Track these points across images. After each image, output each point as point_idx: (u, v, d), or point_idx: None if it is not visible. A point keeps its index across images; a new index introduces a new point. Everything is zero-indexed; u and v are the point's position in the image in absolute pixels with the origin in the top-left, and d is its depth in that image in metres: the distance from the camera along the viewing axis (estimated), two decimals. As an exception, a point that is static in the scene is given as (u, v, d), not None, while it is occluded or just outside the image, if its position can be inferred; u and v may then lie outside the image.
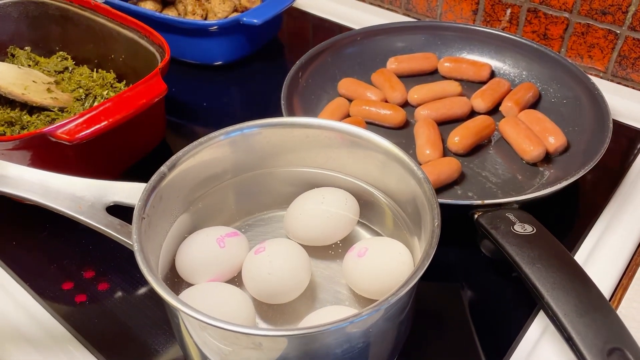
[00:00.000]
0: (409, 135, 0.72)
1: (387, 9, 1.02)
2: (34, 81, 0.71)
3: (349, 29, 0.99)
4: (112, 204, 0.45)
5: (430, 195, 0.42)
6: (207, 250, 0.48)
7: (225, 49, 0.85)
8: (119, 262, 0.58)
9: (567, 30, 0.82)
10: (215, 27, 0.80)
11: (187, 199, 0.50)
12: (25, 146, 0.54)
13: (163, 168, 0.46)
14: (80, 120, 0.54)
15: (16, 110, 0.69)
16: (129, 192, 0.46)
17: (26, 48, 0.81)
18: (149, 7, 0.90)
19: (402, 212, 0.50)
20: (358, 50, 0.82)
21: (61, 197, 0.43)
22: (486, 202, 0.54)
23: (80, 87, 0.73)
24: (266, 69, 0.90)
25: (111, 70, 0.76)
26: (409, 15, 1.00)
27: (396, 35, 0.84)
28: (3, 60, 0.79)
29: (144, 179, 0.66)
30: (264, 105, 0.82)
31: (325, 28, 1.01)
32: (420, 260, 0.38)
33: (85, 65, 0.79)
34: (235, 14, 0.91)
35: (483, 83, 0.79)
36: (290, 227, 0.53)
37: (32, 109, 0.70)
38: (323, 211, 0.51)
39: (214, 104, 0.82)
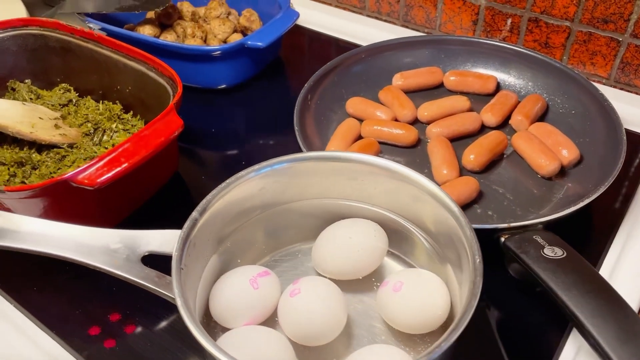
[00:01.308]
0: (421, 153, 0.72)
1: (385, 20, 1.02)
2: (40, 117, 0.70)
3: (346, 42, 0.99)
4: (146, 254, 0.45)
5: (469, 232, 0.42)
6: (241, 293, 0.48)
7: (230, 72, 0.84)
8: (143, 302, 0.57)
9: (568, 39, 0.83)
10: (219, 52, 0.79)
11: (216, 240, 0.50)
12: (43, 193, 0.53)
13: (195, 214, 0.46)
14: (101, 163, 0.53)
15: (25, 149, 0.68)
16: (161, 240, 0.46)
17: (26, 81, 0.79)
18: (147, 32, 0.89)
19: (433, 242, 0.50)
20: (363, 68, 0.82)
21: (96, 252, 0.43)
22: (512, 225, 0.54)
23: (88, 121, 0.72)
24: (269, 89, 0.89)
25: (117, 102, 0.75)
26: (407, 27, 1.00)
27: (400, 50, 0.84)
28: (3, 95, 0.78)
29: (162, 214, 0.66)
30: (272, 126, 0.82)
31: (322, 42, 1.01)
32: (467, 300, 0.38)
33: (89, 97, 0.77)
34: (235, 35, 0.91)
35: (489, 95, 0.80)
36: (319, 262, 0.52)
37: (41, 146, 0.68)
38: (353, 244, 0.51)
39: (221, 128, 0.81)
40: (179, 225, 0.64)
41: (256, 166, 0.50)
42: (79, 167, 0.53)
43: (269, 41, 0.79)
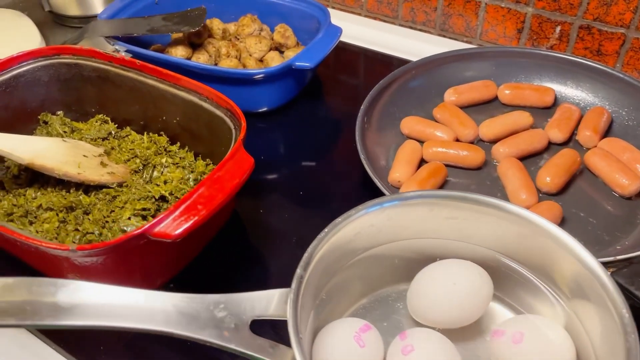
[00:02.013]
0: (489, 175, 0.68)
1: (420, 29, 0.98)
2: (84, 155, 0.65)
3: (378, 53, 0.95)
4: (253, 320, 0.40)
5: (608, 283, 0.39)
6: (348, 353, 0.44)
7: (272, 94, 0.79)
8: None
9: (623, 46, 0.80)
10: (262, 75, 0.75)
11: (314, 294, 0.46)
12: (116, 249, 0.49)
13: (300, 271, 0.42)
14: (177, 212, 0.49)
15: (71, 190, 0.63)
16: (266, 302, 0.41)
17: (58, 113, 0.74)
18: (179, 53, 0.84)
19: (549, 286, 0.47)
20: (413, 85, 0.79)
21: (201, 323, 0.38)
22: (618, 257, 0.51)
23: (135, 156, 0.67)
24: (310, 108, 0.85)
25: (162, 133, 0.70)
26: (444, 36, 0.96)
27: (450, 64, 0.80)
28: (34, 130, 0.73)
29: (225, 258, 0.61)
30: (321, 148, 0.78)
31: (353, 53, 0.97)
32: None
33: (128, 127, 0.73)
34: (272, 53, 0.86)
35: (546, 109, 0.77)
36: (417, 309, 0.49)
37: (88, 186, 0.63)
38: (457, 291, 0.47)
39: (269, 153, 0.77)
40: (248, 271, 0.61)
41: (363, 207, 0.46)
42: (150, 217, 0.49)
43: (317, 61, 0.75)
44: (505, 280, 0.49)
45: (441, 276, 0.48)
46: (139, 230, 0.47)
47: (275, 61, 0.84)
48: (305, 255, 0.43)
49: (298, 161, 0.76)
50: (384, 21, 1.02)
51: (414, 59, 0.94)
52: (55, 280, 0.37)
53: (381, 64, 0.95)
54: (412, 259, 0.51)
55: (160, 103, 0.67)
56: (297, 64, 0.74)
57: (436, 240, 0.50)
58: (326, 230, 0.44)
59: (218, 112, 0.62)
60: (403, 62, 0.93)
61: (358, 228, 0.47)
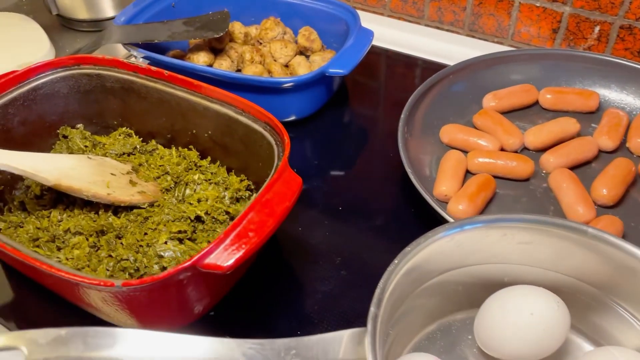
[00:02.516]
0: (539, 187, 0.65)
1: (448, 30, 0.95)
2: (112, 174, 0.61)
3: (404, 55, 0.92)
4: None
5: None
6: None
7: (303, 103, 0.76)
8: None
9: (667, 47, 0.77)
10: (292, 83, 0.71)
11: (386, 326, 0.42)
12: (162, 283, 0.45)
13: (374, 310, 0.38)
14: (228, 241, 0.45)
15: (100, 212, 0.59)
16: (337, 344, 0.38)
17: (78, 126, 0.69)
18: (202, 60, 0.80)
19: (631, 312, 0.44)
20: (450, 90, 0.75)
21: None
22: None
23: (166, 173, 0.63)
24: (339, 115, 0.81)
25: (191, 146, 0.66)
26: (473, 36, 0.93)
27: (488, 67, 0.76)
28: (53, 145, 0.68)
29: (264, 280, 0.57)
30: (356, 157, 0.74)
31: (377, 55, 0.93)
32: None
33: (153, 141, 0.68)
34: (298, 58, 0.82)
35: (590, 114, 0.73)
36: (488, 341, 0.45)
37: (117, 207, 0.59)
38: (533, 323, 0.44)
39: (301, 165, 0.73)
40: (290, 295, 0.57)
41: (432, 234, 0.42)
42: (199, 247, 0.45)
43: (351, 67, 0.71)
44: (583, 308, 0.46)
45: (514, 305, 0.45)
46: (188, 263, 0.43)
47: (302, 67, 0.80)
48: (377, 291, 0.39)
49: (332, 172, 0.72)
50: (409, 21, 0.98)
51: (440, 60, 0.91)
52: (113, 331, 0.33)
53: (405, 66, 0.91)
54: (477, 285, 0.48)
55: (190, 116, 0.63)
56: (330, 70, 0.70)
57: (505, 266, 0.47)
58: (396, 261, 0.41)
59: (256, 126, 0.58)
60: (428, 63, 0.90)
61: (426, 255, 0.43)
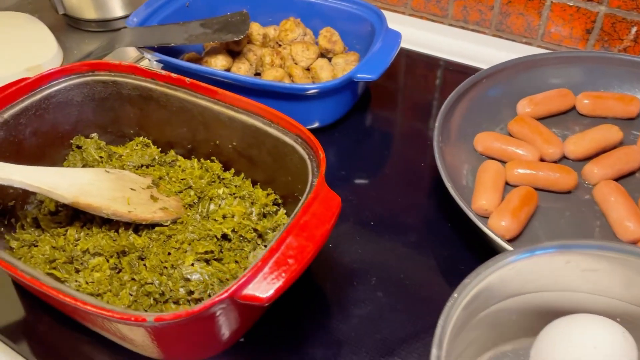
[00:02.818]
0: (582, 200, 0.61)
1: (473, 30, 0.91)
2: (132, 189, 0.57)
3: (427, 56, 0.88)
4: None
5: None
6: None
7: (328, 110, 0.72)
8: None
9: None
10: (317, 90, 0.67)
11: None
12: (197, 316, 0.41)
13: (436, 352, 0.35)
14: (266, 269, 0.41)
15: (120, 231, 0.55)
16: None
17: (92, 135, 0.66)
18: (220, 64, 0.76)
19: None
20: (483, 96, 0.71)
21: None
22: None
23: (189, 187, 0.59)
24: (362, 122, 0.78)
25: (214, 158, 0.62)
26: (500, 37, 0.89)
27: (522, 71, 0.73)
28: (66, 155, 0.64)
29: (295, 302, 0.53)
30: (384, 168, 0.70)
31: (399, 56, 0.89)
32: None
33: (172, 151, 0.65)
34: (320, 61, 0.78)
35: (630, 120, 0.70)
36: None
37: (137, 224, 0.56)
38: (596, 355, 0.40)
39: (328, 177, 0.69)
40: (324, 320, 0.53)
41: (492, 263, 0.39)
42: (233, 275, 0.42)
43: (380, 72, 0.67)
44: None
45: (576, 336, 0.41)
46: (225, 294, 0.40)
47: (324, 70, 0.76)
48: (438, 330, 0.36)
49: (360, 183, 0.68)
50: (432, 20, 0.94)
51: (464, 61, 0.87)
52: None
53: (427, 68, 0.88)
54: (533, 314, 0.44)
55: (213, 126, 0.60)
56: (359, 76, 0.67)
57: (565, 293, 0.43)
58: (455, 295, 0.37)
59: (286, 139, 0.54)
60: (452, 65, 0.86)
61: (485, 285, 0.40)
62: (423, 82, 0.86)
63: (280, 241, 0.43)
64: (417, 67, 0.89)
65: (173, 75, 0.60)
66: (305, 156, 0.52)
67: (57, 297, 0.40)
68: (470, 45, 0.90)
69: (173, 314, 0.39)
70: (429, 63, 0.89)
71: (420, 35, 0.93)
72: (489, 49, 0.88)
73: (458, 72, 0.87)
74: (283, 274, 0.41)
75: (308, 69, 0.78)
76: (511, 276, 0.41)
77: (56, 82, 0.62)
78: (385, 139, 0.76)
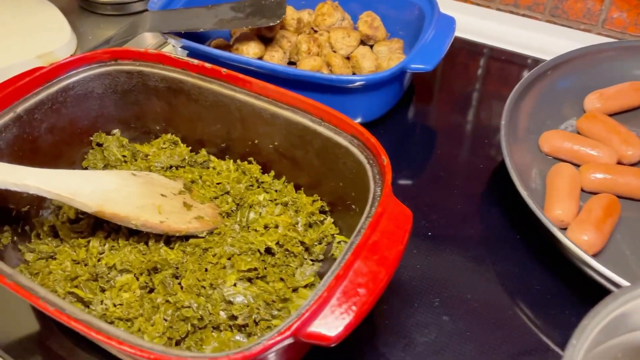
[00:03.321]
0: (666, 207, 0.55)
1: (524, 15, 0.83)
2: (162, 195, 0.51)
3: (471, 43, 0.81)
4: None
5: None
6: None
7: (372, 104, 0.64)
8: None
9: None
10: (363, 82, 0.60)
11: None
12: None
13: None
14: (334, 300, 0.35)
15: (150, 243, 0.48)
16: None
17: (114, 132, 0.59)
18: (253, 51, 0.69)
19: None
20: (546, 90, 0.64)
21: None
22: None
23: (226, 192, 0.53)
24: (409, 118, 0.70)
25: (251, 159, 0.55)
26: (555, 23, 0.81)
27: (589, 62, 0.65)
28: (86, 154, 0.58)
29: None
30: (437, 168, 0.63)
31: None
32: None
33: (203, 150, 0.58)
34: (362, 49, 0.71)
35: None
36: None
37: (169, 236, 0.49)
38: None
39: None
40: (386, 346, 0.47)
41: (611, 301, 0.32)
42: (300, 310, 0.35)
43: (435, 63, 0.60)
44: None
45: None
46: (288, 333, 0.33)
47: (367, 59, 0.69)
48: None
49: (411, 188, 0.61)
50: (478, 4, 0.86)
51: (514, 49, 0.80)
52: None
53: (471, 56, 0.80)
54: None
55: (252, 123, 0.53)
56: (412, 66, 0.59)
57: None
58: (574, 342, 0.31)
59: (339, 140, 0.47)
60: (500, 53, 0.79)
61: (605, 322, 0.33)
62: (469, 72, 0.79)
63: (347, 266, 0.36)
64: (462, 56, 0.81)
65: (207, 65, 0.53)
66: (363, 160, 0.46)
67: (91, 335, 0.34)
68: (521, 32, 0.82)
69: (228, 357, 0.32)
70: (475, 51, 0.81)
71: (466, 21, 0.85)
72: (542, 35, 0.80)
73: (506, 61, 0.79)
74: (353, 307, 0.35)
75: (348, 58, 0.71)
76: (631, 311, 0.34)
77: (75, 72, 0.55)
78: (433, 137, 0.69)
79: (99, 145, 0.58)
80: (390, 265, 0.37)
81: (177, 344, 0.43)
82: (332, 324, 0.34)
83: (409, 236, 0.39)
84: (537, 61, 0.77)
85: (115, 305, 0.44)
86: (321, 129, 0.49)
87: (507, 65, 0.79)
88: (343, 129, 0.47)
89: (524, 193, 0.49)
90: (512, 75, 0.77)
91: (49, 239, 0.51)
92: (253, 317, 0.44)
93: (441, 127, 0.70)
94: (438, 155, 0.65)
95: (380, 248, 0.38)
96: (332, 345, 0.34)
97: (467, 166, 0.63)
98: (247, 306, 0.44)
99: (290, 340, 0.34)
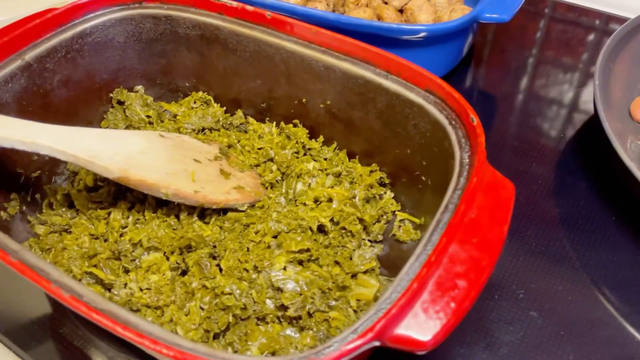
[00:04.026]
0: None
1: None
2: (195, 160, 0.43)
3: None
4: None
5: None
6: None
7: (433, 62, 0.56)
8: None
9: None
10: (426, 32, 0.51)
11: None
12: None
13: None
14: (425, 294, 0.27)
15: (182, 216, 0.41)
16: None
17: (137, 88, 0.51)
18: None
19: None
20: (630, 48, 0.55)
21: None
22: None
23: (270, 159, 0.45)
24: (467, 81, 0.62)
25: (297, 121, 0.47)
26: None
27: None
28: (104, 113, 0.50)
29: None
30: (510, 146, 0.54)
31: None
32: None
33: (239, 111, 0.50)
34: (416, 1, 0.62)
35: None
36: None
37: (203, 208, 0.42)
38: None
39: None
40: (470, 355, 0.39)
41: None
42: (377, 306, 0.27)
43: (513, 12, 0.51)
44: None
45: None
46: (371, 335, 0.26)
47: (423, 12, 0.60)
48: None
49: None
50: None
51: (587, 5, 0.71)
52: None
53: (527, 12, 0.71)
54: None
55: (300, 78, 0.45)
56: (486, 15, 0.51)
57: None
58: None
59: (411, 96, 0.39)
60: (569, 8, 0.70)
61: None
62: (530, 34, 0.70)
63: (441, 251, 0.28)
64: (528, 13, 0.72)
65: (248, 7, 0.44)
66: (443, 121, 0.37)
67: (116, 331, 0.26)
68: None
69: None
70: (536, 12, 0.72)
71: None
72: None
73: (575, 22, 0.71)
74: (451, 304, 0.27)
75: (401, 11, 0.62)
76: None
77: (92, 15, 0.47)
78: (500, 104, 0.60)
79: (120, 103, 0.50)
80: (494, 250, 0.29)
81: (216, 337, 0.36)
82: (424, 325, 0.26)
83: (510, 208, 0.31)
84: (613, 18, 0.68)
85: (141, 290, 0.37)
86: (388, 84, 0.40)
87: (574, 27, 0.70)
88: (416, 82, 0.39)
89: (637, 172, 0.41)
90: (582, 37, 0.68)
91: (63, 209, 0.44)
92: (307, 307, 0.36)
93: (507, 93, 0.61)
94: (509, 126, 0.56)
95: (480, 228, 0.30)
96: (425, 352, 0.26)
97: (546, 139, 0.54)
98: (300, 294, 0.36)
99: (374, 345, 0.26)
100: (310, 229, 0.40)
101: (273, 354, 0.35)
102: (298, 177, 0.44)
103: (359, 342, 0.25)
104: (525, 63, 0.65)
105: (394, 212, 0.44)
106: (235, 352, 0.35)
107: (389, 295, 0.28)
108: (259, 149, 0.46)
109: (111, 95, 0.50)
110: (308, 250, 0.39)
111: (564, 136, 0.54)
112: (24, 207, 0.43)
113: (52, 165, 0.46)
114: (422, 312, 0.27)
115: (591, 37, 0.70)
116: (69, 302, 0.28)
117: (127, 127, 0.49)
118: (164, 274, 0.38)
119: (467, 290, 0.28)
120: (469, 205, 0.30)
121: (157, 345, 0.26)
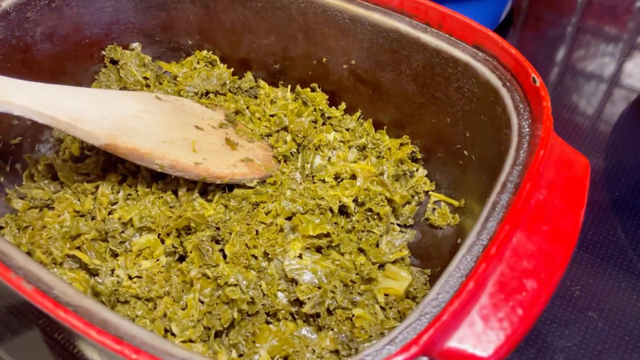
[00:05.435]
0: None
1: None
2: (197, 127, 0.37)
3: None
4: None
5: None
6: None
7: (478, 16, 0.49)
8: None
9: None
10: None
11: None
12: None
13: None
14: (485, 297, 0.21)
15: (181, 192, 0.35)
16: None
17: (134, 46, 0.45)
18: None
19: None
20: None
21: None
22: None
23: (283, 128, 0.39)
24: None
25: (315, 85, 0.41)
26: None
27: None
28: (96, 74, 0.44)
29: None
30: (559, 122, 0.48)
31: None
32: None
33: (249, 74, 0.44)
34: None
35: None
36: None
37: (205, 184, 0.36)
38: None
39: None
40: None
41: None
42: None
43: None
44: None
45: None
46: (415, 349, 0.20)
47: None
48: None
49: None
50: None
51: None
52: None
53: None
54: None
55: (320, 33, 0.38)
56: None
57: None
58: None
59: (455, 53, 0.33)
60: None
61: None
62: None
63: (502, 241, 0.22)
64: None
65: (261, -52, 0.38)
66: (495, 82, 0.31)
67: (89, 335, 0.21)
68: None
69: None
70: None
71: None
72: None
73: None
74: (519, 310, 0.21)
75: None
76: None
77: (81, -43, 0.40)
78: (552, 75, 0.53)
79: (114, 62, 0.44)
80: (570, 241, 0.23)
81: (217, 336, 0.30)
82: (483, 338, 0.21)
83: (586, 191, 0.25)
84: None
85: (131, 278, 0.31)
86: (427, 38, 0.34)
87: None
88: (462, 37, 0.33)
89: None
90: (628, 3, 0.60)
91: (46, 181, 0.38)
92: (326, 303, 0.30)
93: (547, 62, 0.54)
94: (562, 104, 0.50)
95: (551, 213, 0.24)
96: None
97: (578, 115, 0.48)
98: (318, 287, 0.31)
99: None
100: (331, 210, 0.34)
101: (285, 358, 0.29)
102: (316, 149, 0.37)
103: (399, 359, 0.20)
104: (563, 32, 0.58)
105: (427, 192, 0.38)
106: (241, 356, 0.29)
107: (434, 295, 0.22)
108: (271, 116, 0.39)
109: (103, 53, 0.44)
110: (328, 235, 0.33)
111: (608, 113, 0.47)
112: (2, 178, 0.38)
113: (35, 131, 0.40)
114: (481, 319, 0.21)
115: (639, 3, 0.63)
116: (30, 296, 0.22)
117: (121, 90, 0.43)
118: (157, 260, 0.32)
119: (537, 292, 0.22)
120: (536, 184, 0.24)
121: (140, 355, 0.20)
